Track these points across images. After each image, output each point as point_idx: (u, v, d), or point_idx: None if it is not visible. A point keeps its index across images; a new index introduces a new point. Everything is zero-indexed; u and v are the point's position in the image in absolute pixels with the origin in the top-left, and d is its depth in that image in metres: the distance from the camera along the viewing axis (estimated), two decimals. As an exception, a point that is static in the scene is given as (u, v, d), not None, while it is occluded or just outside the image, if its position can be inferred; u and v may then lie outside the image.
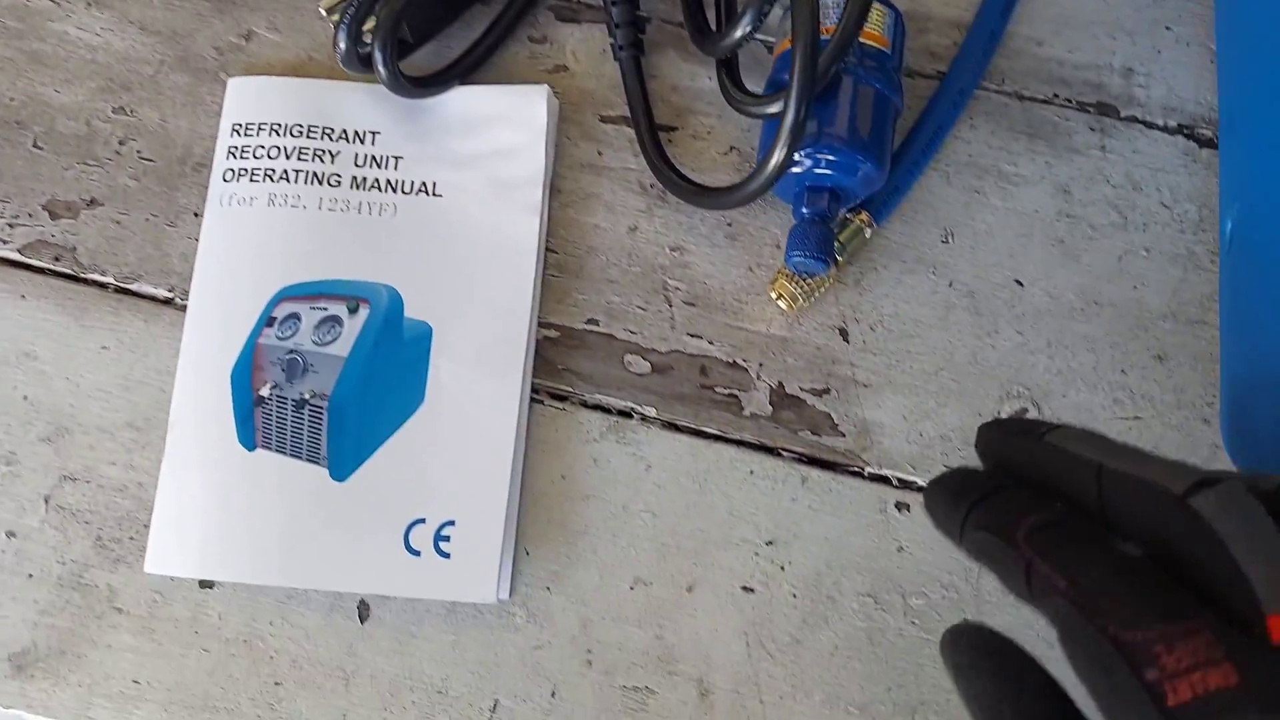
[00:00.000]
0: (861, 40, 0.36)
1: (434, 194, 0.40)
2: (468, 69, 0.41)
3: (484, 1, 0.41)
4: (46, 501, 0.38)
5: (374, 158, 0.40)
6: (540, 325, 0.39)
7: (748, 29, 0.35)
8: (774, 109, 0.36)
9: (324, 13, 0.38)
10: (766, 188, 0.35)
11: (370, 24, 0.37)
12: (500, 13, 0.41)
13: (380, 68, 0.37)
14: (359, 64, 0.38)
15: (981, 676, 0.20)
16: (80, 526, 0.37)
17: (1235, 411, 0.35)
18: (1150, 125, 0.41)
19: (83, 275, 0.40)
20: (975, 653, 0.21)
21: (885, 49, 0.37)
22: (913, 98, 0.40)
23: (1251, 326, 0.35)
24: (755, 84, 0.39)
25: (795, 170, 0.36)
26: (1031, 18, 0.42)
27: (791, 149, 0.34)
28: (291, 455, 0.37)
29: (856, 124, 0.36)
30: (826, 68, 0.34)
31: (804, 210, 0.36)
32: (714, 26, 0.40)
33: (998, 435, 0.24)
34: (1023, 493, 0.22)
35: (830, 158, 0.36)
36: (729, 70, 0.39)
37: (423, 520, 0.36)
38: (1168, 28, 0.41)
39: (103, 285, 0.40)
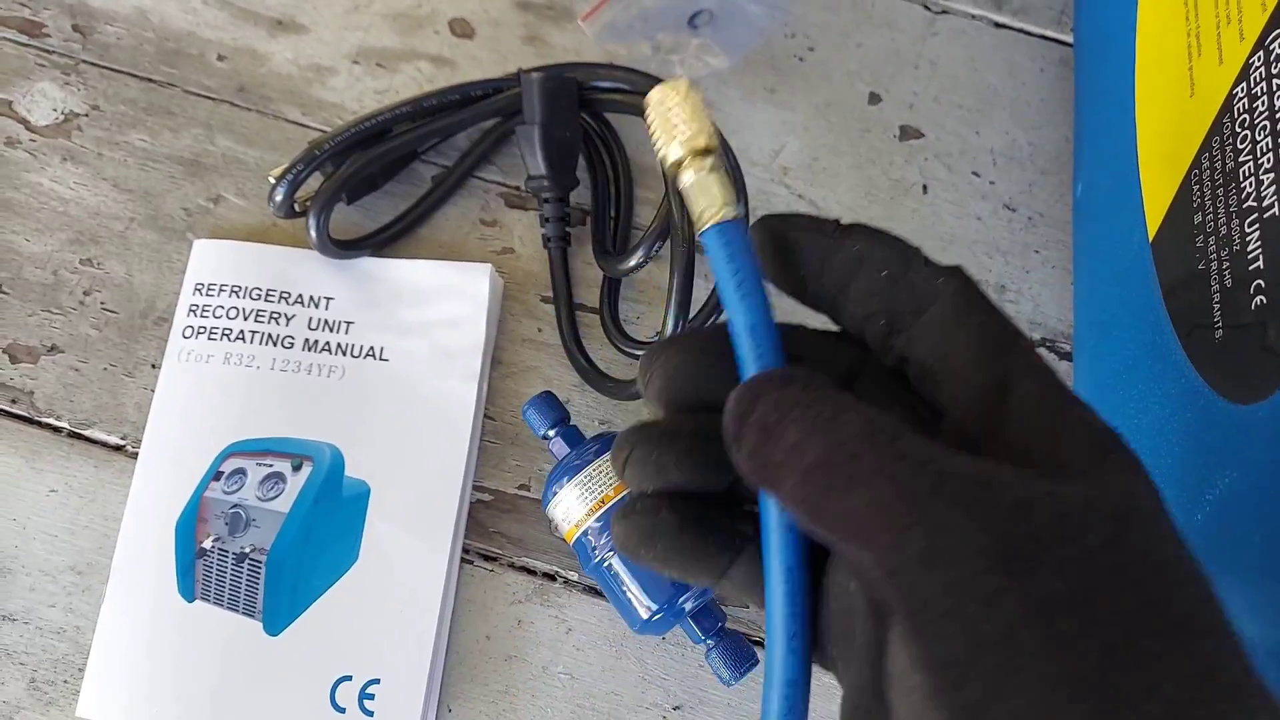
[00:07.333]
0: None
1: (381, 358, 0.42)
2: (390, 239, 0.44)
3: (418, 158, 0.45)
4: (-17, 642, 0.39)
5: (327, 322, 0.43)
6: (475, 488, 0.42)
7: (640, 260, 0.39)
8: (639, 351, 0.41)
9: (272, 179, 0.41)
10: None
11: (307, 190, 0.41)
12: (427, 191, 0.45)
13: (312, 232, 0.41)
14: (289, 214, 0.42)
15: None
16: (15, 667, 0.39)
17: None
18: (1026, 332, 0.45)
19: (38, 419, 0.41)
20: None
21: None
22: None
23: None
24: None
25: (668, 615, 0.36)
26: (922, 236, 0.46)
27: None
28: (229, 608, 0.39)
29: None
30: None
31: (706, 641, 0.37)
32: (613, 248, 0.44)
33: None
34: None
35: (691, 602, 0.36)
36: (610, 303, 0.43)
37: (349, 678, 0.38)
38: (1036, 251, 0.46)
39: (57, 429, 0.41)
